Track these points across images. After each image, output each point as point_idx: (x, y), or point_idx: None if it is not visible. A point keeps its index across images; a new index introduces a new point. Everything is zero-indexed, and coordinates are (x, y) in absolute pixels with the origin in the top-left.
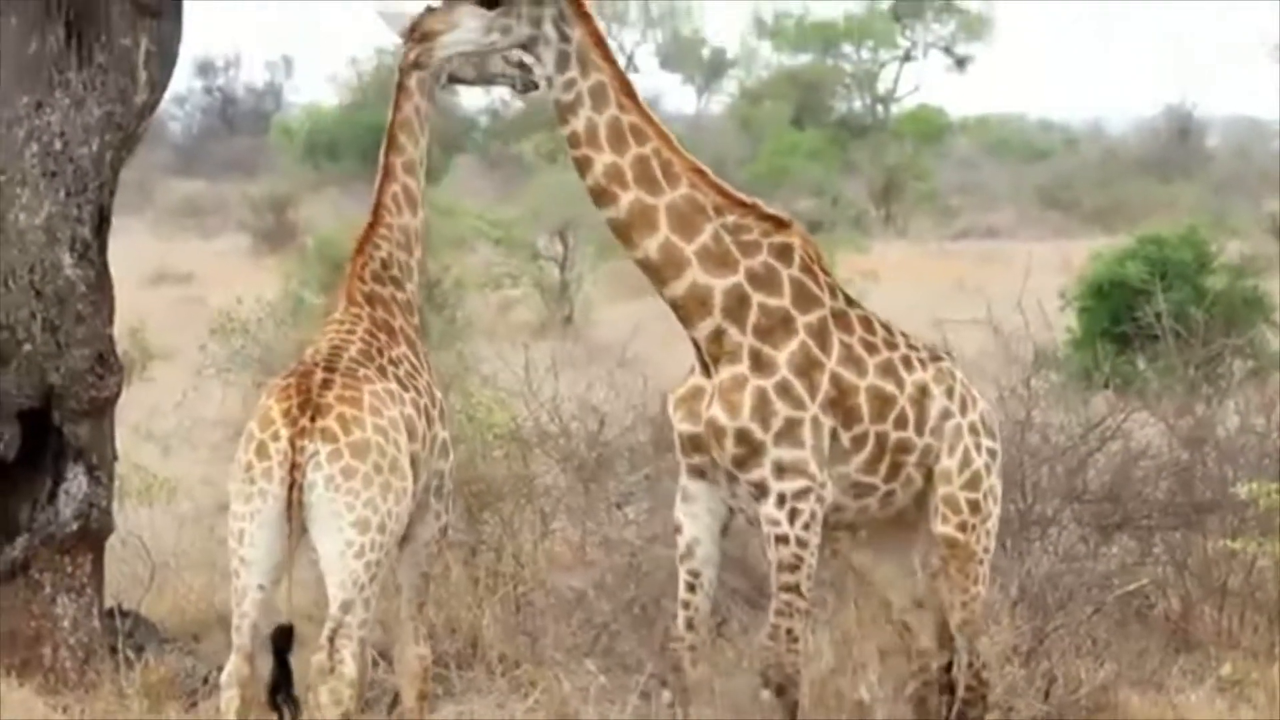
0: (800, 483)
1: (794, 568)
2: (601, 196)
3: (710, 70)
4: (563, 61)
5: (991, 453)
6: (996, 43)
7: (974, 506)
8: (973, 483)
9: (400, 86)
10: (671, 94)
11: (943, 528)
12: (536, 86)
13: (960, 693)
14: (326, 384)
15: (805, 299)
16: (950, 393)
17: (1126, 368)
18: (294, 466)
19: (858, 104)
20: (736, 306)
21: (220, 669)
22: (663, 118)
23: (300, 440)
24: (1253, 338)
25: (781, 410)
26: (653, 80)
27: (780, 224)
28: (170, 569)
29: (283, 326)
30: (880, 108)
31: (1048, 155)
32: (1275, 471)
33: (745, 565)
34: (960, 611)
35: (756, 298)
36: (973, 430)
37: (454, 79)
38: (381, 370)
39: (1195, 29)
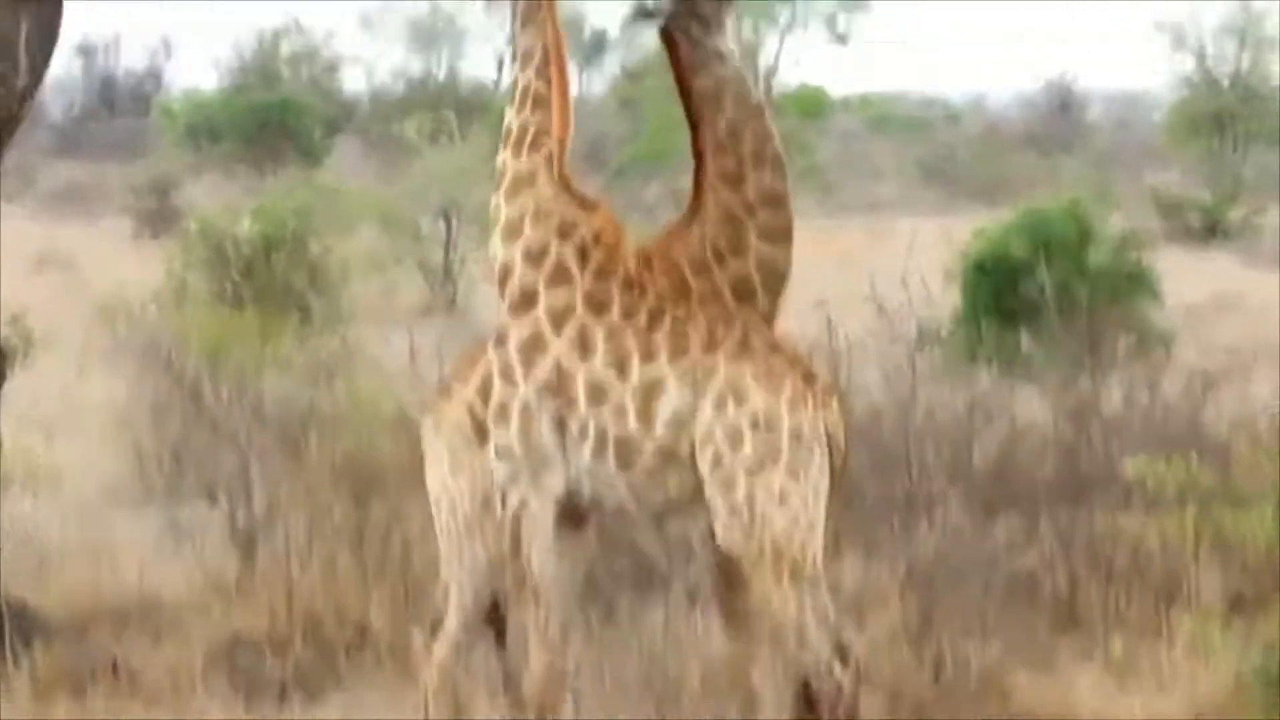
0: (507, 468)
1: (515, 555)
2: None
3: (591, 50)
4: (512, 14)
5: (766, 453)
6: (878, 19)
7: (733, 511)
8: (726, 486)
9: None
10: None
11: (720, 536)
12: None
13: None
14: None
15: (560, 277)
16: (697, 389)
17: (1010, 343)
18: None
19: None
20: (504, 278)
21: (108, 660)
22: None
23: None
24: (1136, 312)
25: (498, 390)
26: None
27: (584, 204)
28: (55, 559)
29: (166, 310)
30: (762, 84)
31: (929, 131)
32: (1161, 446)
33: (634, 549)
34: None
35: (519, 271)
36: (729, 431)
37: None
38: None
39: (1078, 3)
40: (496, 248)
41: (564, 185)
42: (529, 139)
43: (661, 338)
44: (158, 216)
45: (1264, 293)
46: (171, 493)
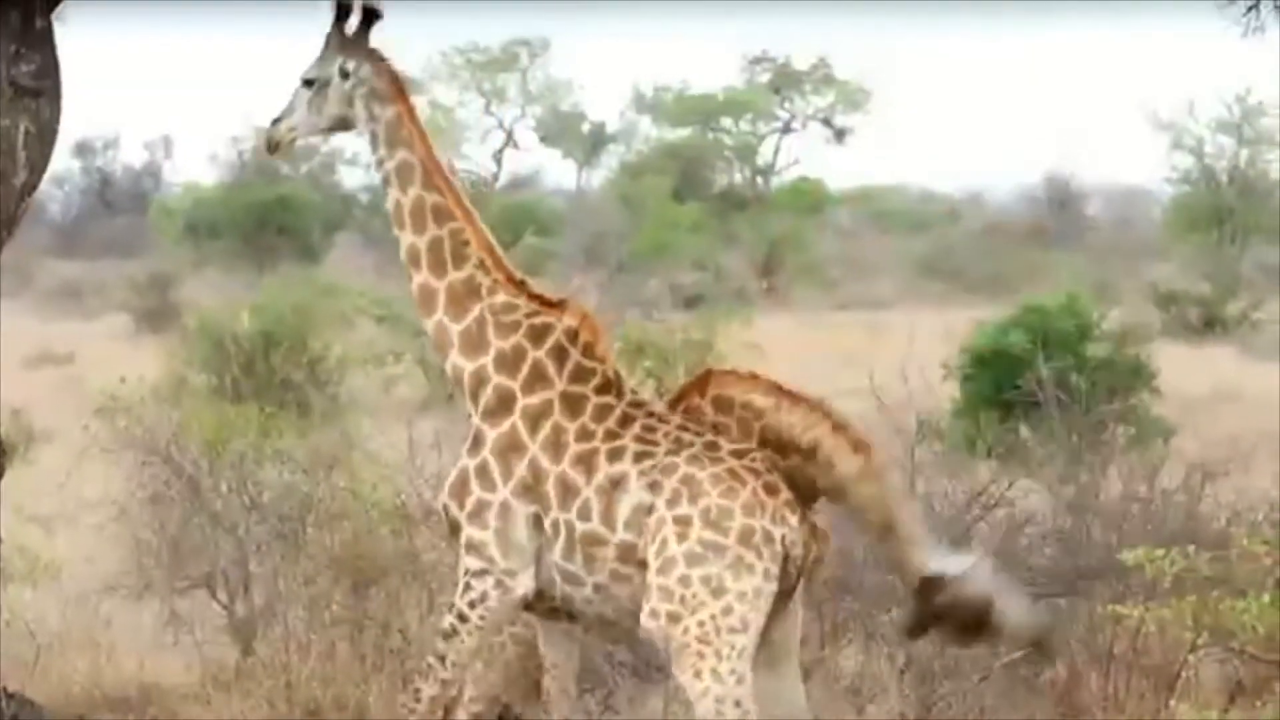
0: (478, 563)
1: (448, 637)
2: (407, 272)
3: (590, 145)
4: (373, 141)
5: (711, 545)
6: (875, 114)
7: (665, 594)
8: (664, 568)
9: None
10: (552, 169)
11: (645, 619)
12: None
13: None
14: None
15: (537, 380)
16: (655, 487)
17: (1010, 436)
18: None
19: (738, 177)
20: (477, 388)
21: None
22: (543, 193)
23: None
24: (1135, 405)
25: (475, 491)
26: (533, 156)
27: (550, 304)
28: (55, 650)
29: (165, 406)
30: (760, 180)
31: (928, 226)
32: (1159, 537)
33: (631, 638)
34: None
35: (495, 380)
36: (679, 521)
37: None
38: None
39: (1072, 98)
40: (459, 363)
41: (521, 289)
42: (448, 253)
43: (630, 439)
44: (157, 313)
45: (1262, 385)
46: (170, 584)
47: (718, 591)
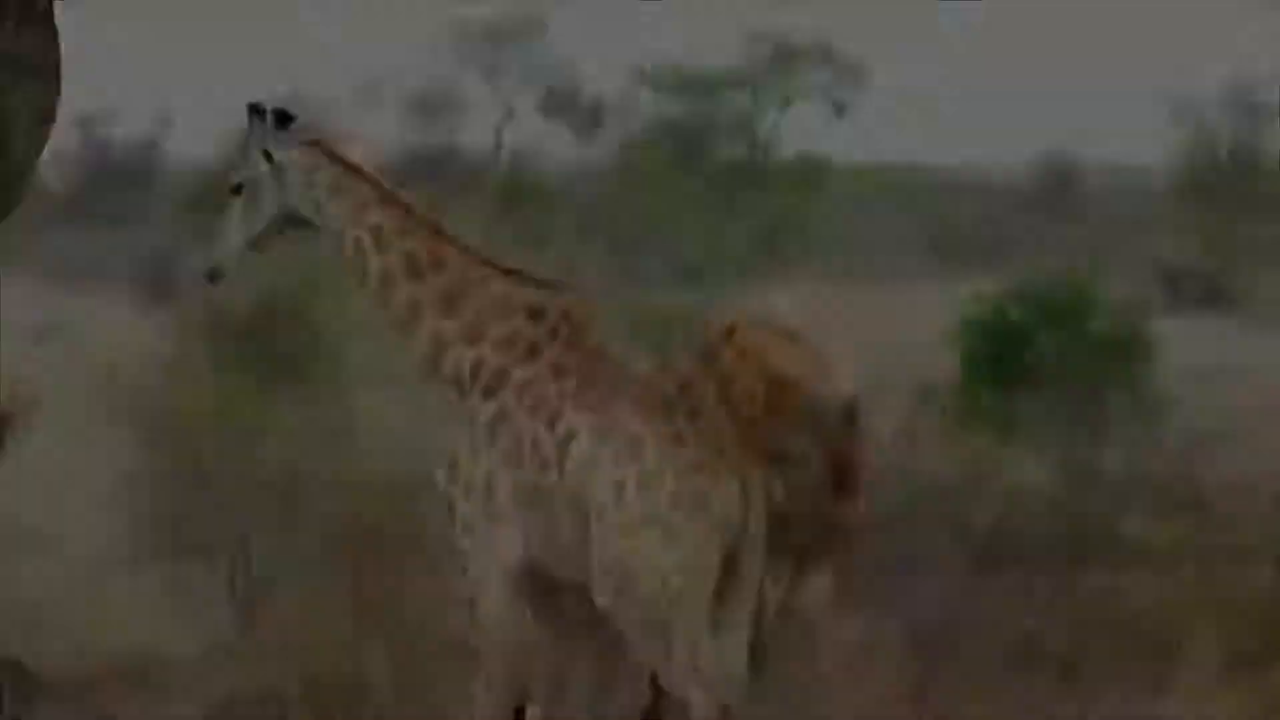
0: (467, 540)
1: (474, 634)
2: (383, 296)
3: (590, 119)
4: (316, 207)
5: (641, 515)
6: (876, 90)
7: (605, 571)
8: (604, 539)
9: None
10: (551, 143)
11: (596, 597)
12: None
13: None
14: None
15: (531, 355)
16: (603, 440)
17: (1010, 408)
18: None
19: (738, 151)
20: (475, 372)
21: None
22: (542, 168)
23: None
24: (1135, 377)
25: (464, 466)
26: (532, 130)
27: (544, 285)
28: (55, 621)
29: (166, 378)
30: (761, 154)
31: (928, 199)
32: (1160, 508)
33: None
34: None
35: (491, 359)
36: (617, 486)
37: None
38: None
39: (1074, 71)
40: (461, 354)
41: (518, 277)
42: (424, 262)
43: (596, 395)
44: (158, 285)
45: (1262, 359)
46: (171, 555)
47: (652, 564)
